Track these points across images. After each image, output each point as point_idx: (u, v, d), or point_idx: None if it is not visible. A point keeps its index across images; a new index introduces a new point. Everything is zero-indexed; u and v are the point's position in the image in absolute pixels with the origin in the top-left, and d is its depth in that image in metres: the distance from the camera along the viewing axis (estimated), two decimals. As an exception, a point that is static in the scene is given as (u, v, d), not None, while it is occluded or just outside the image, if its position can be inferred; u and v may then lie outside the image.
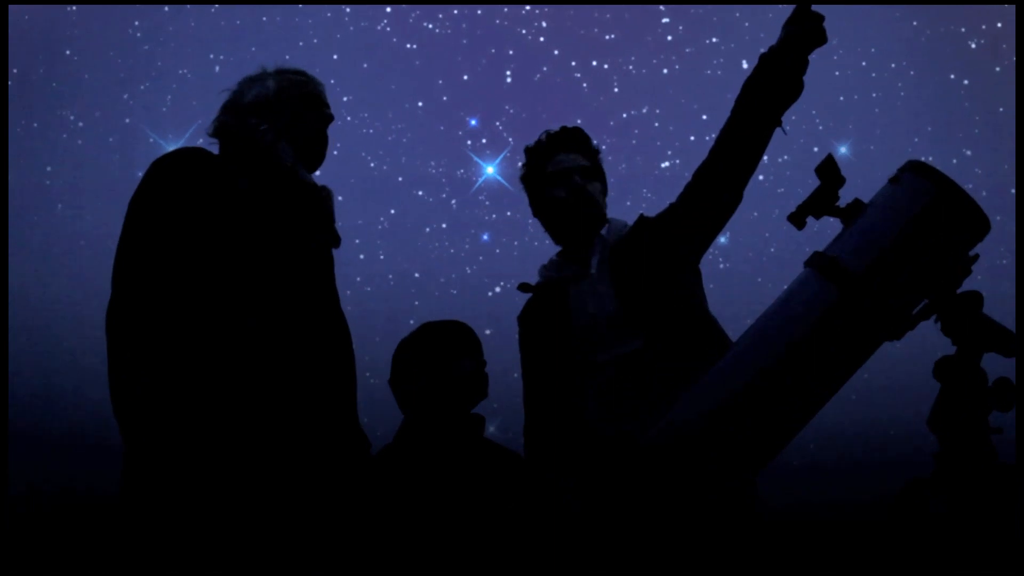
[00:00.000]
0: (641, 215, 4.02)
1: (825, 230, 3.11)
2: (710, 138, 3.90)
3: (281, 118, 3.69)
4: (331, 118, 3.87)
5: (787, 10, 3.80)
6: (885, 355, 3.07)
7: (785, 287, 3.05)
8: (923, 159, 2.97)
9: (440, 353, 4.04)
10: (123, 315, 3.25)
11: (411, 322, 4.09)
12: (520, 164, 4.18)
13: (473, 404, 4.08)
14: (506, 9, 10.84)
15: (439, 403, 4.00)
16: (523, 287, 4.05)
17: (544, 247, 4.13)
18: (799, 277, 3.02)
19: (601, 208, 4.02)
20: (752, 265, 10.22)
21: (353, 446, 3.64)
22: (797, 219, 3.07)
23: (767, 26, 10.30)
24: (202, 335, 3.30)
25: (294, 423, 3.39)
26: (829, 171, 3.04)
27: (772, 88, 3.74)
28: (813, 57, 3.80)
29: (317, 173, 3.80)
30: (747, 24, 10.53)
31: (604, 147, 4.18)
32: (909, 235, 2.89)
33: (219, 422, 3.28)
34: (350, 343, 3.67)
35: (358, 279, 9.93)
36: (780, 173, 9.81)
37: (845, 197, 3.06)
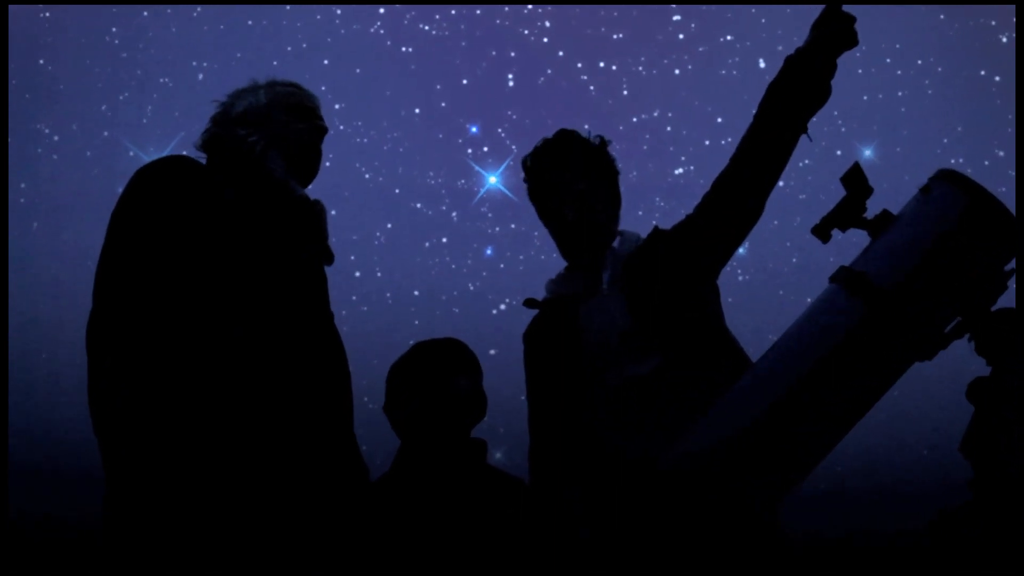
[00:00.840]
0: (656, 227, 4.00)
1: (852, 239, 3.10)
2: (726, 143, 3.90)
3: (272, 130, 3.71)
4: (325, 130, 3.88)
5: (806, 8, 3.79)
6: (915, 376, 3.05)
7: (809, 302, 3.03)
8: (953, 162, 2.96)
9: (432, 373, 4.02)
10: (105, 325, 3.25)
11: (411, 343, 4.07)
12: (523, 177, 4.17)
13: (471, 425, 4.06)
14: (507, 8, 10.85)
15: (435, 426, 3.97)
16: (529, 303, 4.03)
17: (552, 261, 4.12)
18: (824, 293, 3.00)
19: (608, 224, 4.00)
20: (773, 277, 10.22)
21: (350, 473, 3.63)
22: (822, 232, 3.05)
23: (785, 23, 10.32)
24: (187, 349, 3.30)
25: (287, 447, 3.37)
26: (856, 180, 3.01)
27: (799, 92, 3.72)
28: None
29: (309, 187, 3.80)
30: (764, 21, 10.54)
31: (613, 153, 4.14)
32: (941, 249, 2.85)
33: (206, 443, 3.27)
34: (346, 364, 3.66)
35: (354, 298, 9.94)
36: (801, 178, 9.81)
37: (872, 205, 3.04)
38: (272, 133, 3.71)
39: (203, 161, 3.70)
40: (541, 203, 4.02)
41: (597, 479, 3.66)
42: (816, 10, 3.75)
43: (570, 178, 3.94)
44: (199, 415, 3.28)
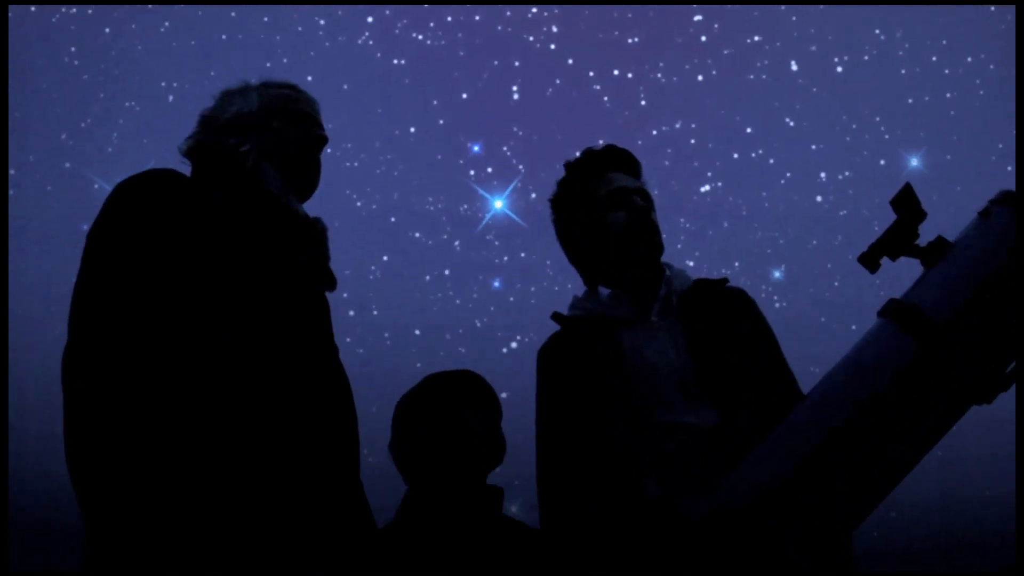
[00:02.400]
0: (742, 291, 4.00)
1: (903, 264, 3.09)
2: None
3: (265, 138, 3.68)
4: (325, 140, 3.87)
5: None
6: (973, 420, 3.04)
7: (857, 335, 3.02)
8: (1010, 169, 2.94)
9: (443, 401, 4.00)
10: (82, 356, 3.23)
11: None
12: (539, 193, 4.16)
13: (487, 470, 4.04)
14: (508, 12, 10.87)
15: (444, 461, 3.94)
16: (556, 317, 4.02)
17: (567, 292, 4.11)
18: (872, 328, 2.97)
19: (662, 244, 4.02)
20: (813, 302, 10.21)
21: (355, 523, 3.61)
22: (870, 261, 3.02)
23: (818, 20, 10.34)
24: (169, 378, 3.27)
25: (286, 493, 3.36)
26: (907, 203, 2.99)
27: None
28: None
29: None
30: (794, 18, 10.55)
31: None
32: (1001, 281, 2.84)
33: (186, 486, 3.25)
34: (352, 403, 3.63)
35: (348, 340, 9.88)
36: (842, 192, 9.82)
37: (924, 225, 3.03)
38: (266, 142, 3.68)
39: (194, 168, 3.67)
40: (584, 210, 3.99)
41: (619, 511, 3.65)
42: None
43: (627, 180, 3.96)
44: (181, 452, 3.24)
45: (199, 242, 3.37)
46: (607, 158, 4.05)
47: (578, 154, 4.08)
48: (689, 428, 3.64)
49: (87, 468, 3.15)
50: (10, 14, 9.80)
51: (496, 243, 10.63)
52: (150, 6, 10.74)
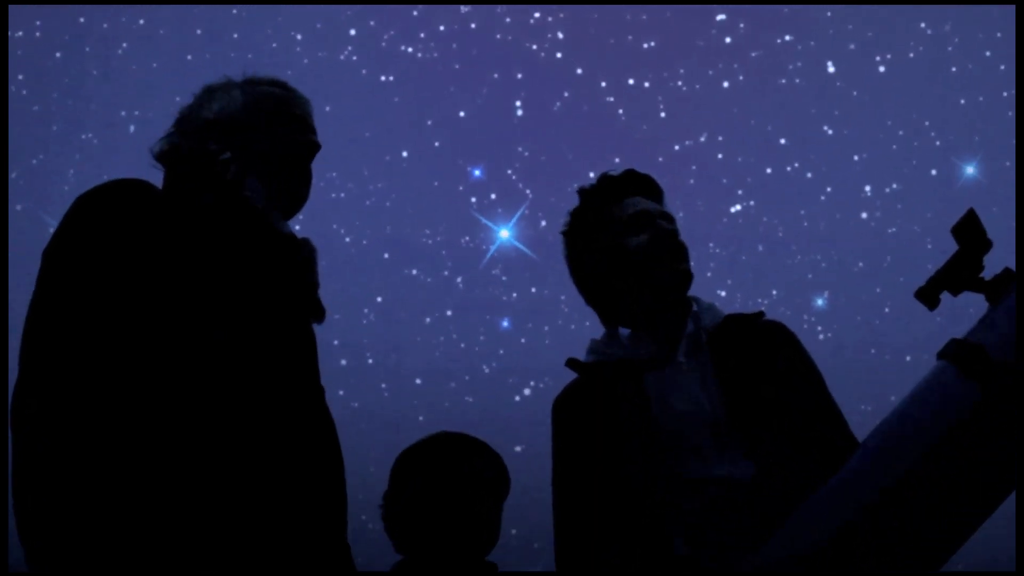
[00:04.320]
0: (781, 325, 4.00)
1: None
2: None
3: (250, 143, 3.65)
4: (317, 147, 3.85)
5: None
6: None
7: (914, 368, 3.02)
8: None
9: (443, 453, 4.02)
10: (37, 385, 3.20)
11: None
12: (550, 221, 4.17)
13: (484, 551, 4.05)
14: (508, 19, 10.90)
15: (441, 527, 3.95)
16: (573, 364, 4.02)
17: (586, 331, 4.11)
18: (931, 372, 2.97)
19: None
20: (862, 333, 10.19)
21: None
22: (929, 297, 3.00)
23: (855, 15, 10.37)
24: (131, 423, 3.24)
25: (263, 556, 3.35)
26: (971, 232, 2.97)
27: None
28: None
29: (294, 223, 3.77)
30: (829, 14, 10.57)
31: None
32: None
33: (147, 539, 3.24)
34: (339, 452, 3.62)
35: (341, 392, 9.90)
36: (890, 207, 9.81)
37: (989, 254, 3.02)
38: (250, 148, 3.65)
39: (167, 175, 3.65)
40: (602, 235, 3.99)
41: (643, 566, 3.66)
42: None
43: (650, 204, 3.97)
44: (141, 489, 3.21)
45: (166, 264, 3.34)
46: (626, 183, 4.06)
47: (593, 179, 4.08)
48: (722, 481, 3.65)
49: (30, 495, 3.14)
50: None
51: (503, 278, 10.63)
52: (105, 25, 10.79)
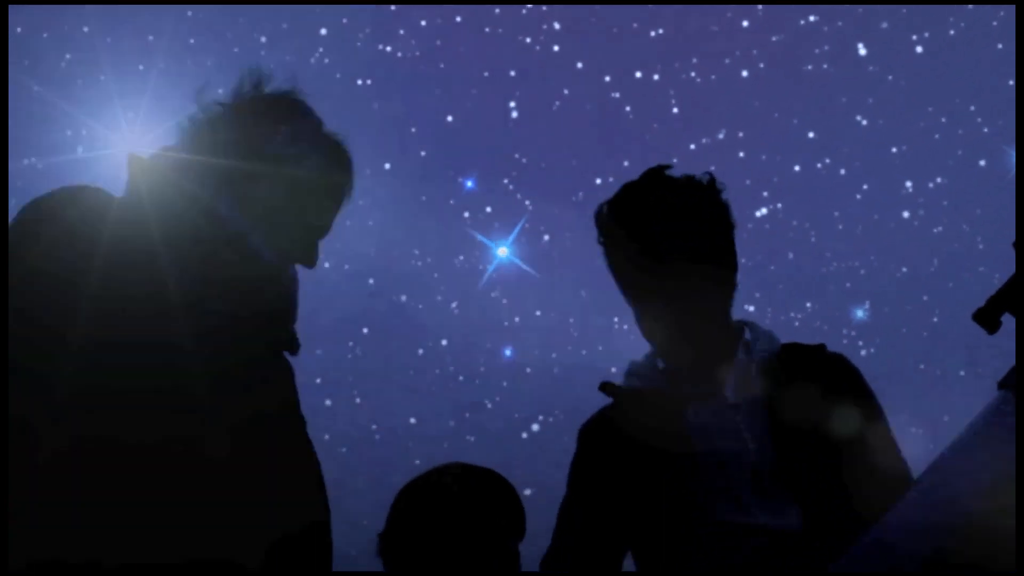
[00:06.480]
0: (843, 358, 4.00)
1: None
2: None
3: (272, 216, 3.64)
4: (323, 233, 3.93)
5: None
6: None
7: (968, 385, 3.03)
8: None
9: (452, 490, 4.03)
10: None
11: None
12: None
13: None
14: (497, 10, 10.91)
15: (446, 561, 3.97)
16: (607, 388, 4.01)
17: (598, 356, 4.11)
18: (992, 403, 2.97)
19: (722, 320, 3.99)
20: (909, 347, 10.20)
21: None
22: (988, 320, 2.98)
23: (888, -11, 10.38)
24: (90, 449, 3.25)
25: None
26: (1037, 243, 2.98)
27: None
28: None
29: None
30: (858, -10, 10.61)
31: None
32: None
33: None
34: (323, 489, 3.63)
35: (327, 437, 9.87)
36: (934, 203, 9.82)
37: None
38: (271, 220, 3.66)
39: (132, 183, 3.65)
40: (634, 267, 3.99)
41: None
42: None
43: (693, 228, 3.98)
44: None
45: (123, 280, 3.33)
46: (659, 198, 4.08)
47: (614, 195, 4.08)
48: (764, 531, 3.66)
49: None
50: None
51: (504, 301, 10.64)
52: (45, 34, 10.83)
